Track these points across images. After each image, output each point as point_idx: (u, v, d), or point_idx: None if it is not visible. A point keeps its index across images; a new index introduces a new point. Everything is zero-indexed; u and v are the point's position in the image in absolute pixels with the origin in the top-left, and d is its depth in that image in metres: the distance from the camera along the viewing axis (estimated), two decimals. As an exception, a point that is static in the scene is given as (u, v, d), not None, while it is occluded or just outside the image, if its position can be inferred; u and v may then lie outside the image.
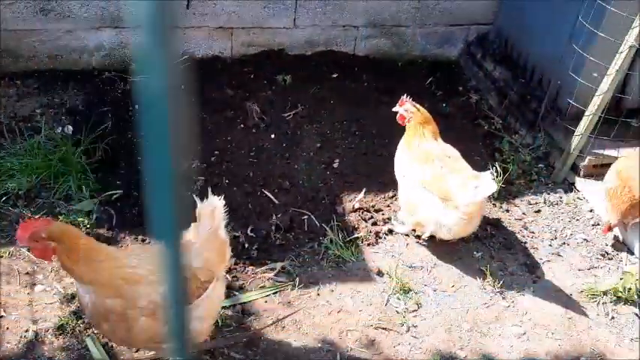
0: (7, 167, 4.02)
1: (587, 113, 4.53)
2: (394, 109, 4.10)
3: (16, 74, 5.05)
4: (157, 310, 2.63)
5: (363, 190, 4.36)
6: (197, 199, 3.03)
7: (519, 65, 5.62)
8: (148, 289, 2.64)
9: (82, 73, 5.20)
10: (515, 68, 5.64)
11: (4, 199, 3.91)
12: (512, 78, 5.60)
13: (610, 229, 4.25)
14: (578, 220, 4.53)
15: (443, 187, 3.72)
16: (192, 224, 3.03)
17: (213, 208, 2.98)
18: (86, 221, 3.89)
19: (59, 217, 3.88)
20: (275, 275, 3.74)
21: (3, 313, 3.27)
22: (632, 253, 4.26)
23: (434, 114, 5.24)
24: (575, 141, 4.66)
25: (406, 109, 4.04)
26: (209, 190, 3.13)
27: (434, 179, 3.78)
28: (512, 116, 5.39)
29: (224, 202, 3.04)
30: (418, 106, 4.05)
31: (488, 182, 3.58)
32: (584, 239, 4.37)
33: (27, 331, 3.21)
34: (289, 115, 4.93)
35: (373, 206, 4.30)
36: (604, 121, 4.56)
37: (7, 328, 3.21)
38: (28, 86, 4.99)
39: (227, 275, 3.70)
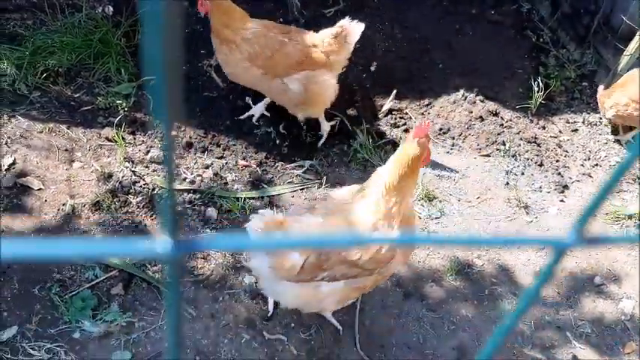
0: (47, 44, 4.06)
1: (639, 32, 4.33)
2: None
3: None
4: None
5: (394, 92, 4.30)
6: None
7: (577, -25, 5.31)
8: None
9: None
10: (573, -23, 5.34)
11: (44, 75, 3.98)
12: (567, -12, 5.32)
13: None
14: (615, 142, 4.45)
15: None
16: None
17: None
18: (124, 104, 3.96)
19: (98, 97, 3.97)
20: (303, 172, 3.81)
21: (42, 186, 3.43)
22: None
23: (481, 20, 5.11)
24: (624, 61, 4.48)
25: None
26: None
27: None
28: (563, 30, 5.17)
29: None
30: None
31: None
32: (618, 162, 4.30)
33: (64, 204, 3.38)
34: (330, 11, 4.81)
35: (407, 113, 4.27)
36: (656, 43, 4.36)
37: (46, 201, 3.38)
38: (70, -38, 4.92)
39: (258, 168, 3.80)
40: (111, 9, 4.56)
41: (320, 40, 3.66)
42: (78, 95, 3.99)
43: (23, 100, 3.86)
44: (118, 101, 3.96)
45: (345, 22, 3.61)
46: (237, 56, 3.59)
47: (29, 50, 4.01)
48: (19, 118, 3.75)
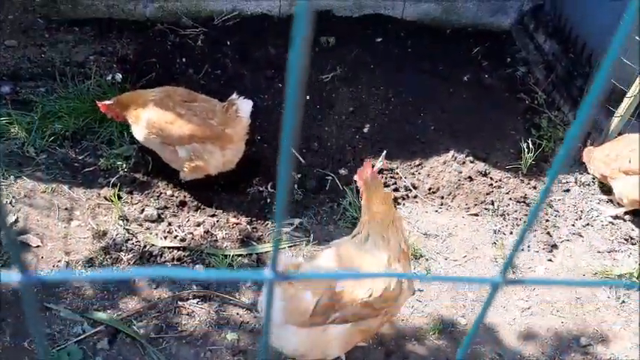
0: (56, 109, 4.33)
1: (628, 95, 4.42)
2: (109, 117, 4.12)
3: (75, 21, 5.34)
4: None
5: (384, 153, 4.43)
6: None
7: (570, 40, 5.47)
8: None
9: (136, 23, 5.44)
10: (566, 42, 5.50)
11: (52, 138, 4.22)
12: (562, 52, 5.48)
13: None
14: (608, 202, 4.47)
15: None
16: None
17: None
18: (124, 165, 4.16)
19: (101, 159, 4.18)
20: (292, 230, 3.92)
21: (40, 243, 3.60)
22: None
23: (475, 85, 5.27)
24: (615, 122, 4.56)
25: (108, 109, 4.00)
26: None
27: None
28: (557, 92, 5.30)
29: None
30: (112, 100, 4.00)
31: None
32: (611, 222, 4.32)
33: (60, 261, 3.53)
34: (327, 77, 5.03)
35: (397, 173, 4.39)
36: (646, 105, 4.45)
37: (42, 257, 3.54)
38: (85, 33, 5.27)
39: (248, 226, 3.93)
40: (120, 76, 4.85)
41: (218, 111, 3.87)
42: (82, 157, 4.21)
43: (30, 161, 4.09)
44: (118, 162, 4.16)
45: (234, 97, 3.83)
46: (138, 127, 3.94)
47: (39, 115, 4.28)
48: (25, 178, 3.97)
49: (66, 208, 3.87)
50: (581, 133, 0.67)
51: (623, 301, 3.77)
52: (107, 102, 3.98)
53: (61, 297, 3.39)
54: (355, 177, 3.11)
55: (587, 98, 0.65)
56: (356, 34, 5.53)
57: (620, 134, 4.58)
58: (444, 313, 3.59)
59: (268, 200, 4.08)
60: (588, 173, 4.63)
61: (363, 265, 2.86)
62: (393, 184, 4.32)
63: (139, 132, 3.97)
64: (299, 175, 4.25)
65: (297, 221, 3.97)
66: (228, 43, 5.27)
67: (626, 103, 4.45)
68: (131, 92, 4.11)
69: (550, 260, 3.98)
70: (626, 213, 4.34)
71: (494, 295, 0.76)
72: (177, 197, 4.04)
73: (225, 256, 3.68)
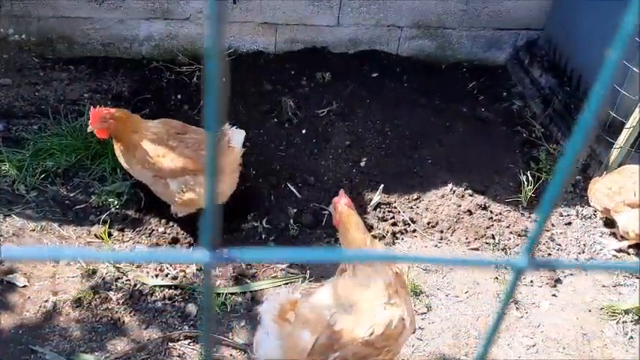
0: (48, 146, 4.26)
1: (627, 126, 4.38)
2: (89, 130, 3.74)
3: (71, 60, 5.33)
4: None
5: (381, 187, 4.35)
6: None
7: (566, 73, 5.46)
8: None
9: (132, 61, 5.43)
10: (562, 76, 5.49)
11: (43, 176, 4.14)
12: (558, 86, 5.46)
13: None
14: (610, 235, 4.37)
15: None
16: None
17: None
18: (116, 202, 4.07)
19: (92, 196, 4.10)
20: (287, 267, 3.81)
21: (26, 283, 3.49)
22: (664, 274, 4.08)
23: (472, 119, 5.23)
24: (614, 154, 4.50)
25: (101, 117, 3.66)
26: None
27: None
28: (555, 125, 5.25)
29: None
30: (111, 109, 3.73)
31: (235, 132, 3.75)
32: (615, 255, 4.22)
33: (47, 301, 3.41)
34: (323, 111, 4.99)
35: (395, 207, 4.30)
36: (646, 135, 4.40)
37: (29, 298, 3.42)
38: (80, 72, 5.25)
39: (242, 263, 3.82)
40: (113, 113, 4.80)
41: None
42: (73, 194, 4.13)
43: (20, 199, 4.01)
44: (110, 199, 4.07)
45: (226, 127, 3.75)
46: (132, 158, 3.78)
47: (30, 152, 4.21)
48: (14, 217, 3.88)
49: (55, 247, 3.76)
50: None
51: (631, 337, 3.64)
52: (105, 109, 3.71)
53: (47, 339, 3.26)
54: (330, 207, 3.13)
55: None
56: (352, 69, 5.52)
57: (620, 166, 4.52)
58: (445, 352, 3.45)
59: (263, 236, 3.98)
60: (589, 206, 4.54)
61: (362, 300, 2.76)
62: (391, 218, 4.23)
63: (130, 162, 3.81)
64: (295, 210, 4.16)
65: (292, 257, 3.86)
66: (224, 79, 5.24)
67: (625, 134, 4.40)
68: (131, 114, 3.88)
69: (554, 295, 3.86)
70: (630, 246, 4.24)
71: (516, 282, 0.65)
72: (169, 234, 3.94)
73: (219, 294, 3.56)
